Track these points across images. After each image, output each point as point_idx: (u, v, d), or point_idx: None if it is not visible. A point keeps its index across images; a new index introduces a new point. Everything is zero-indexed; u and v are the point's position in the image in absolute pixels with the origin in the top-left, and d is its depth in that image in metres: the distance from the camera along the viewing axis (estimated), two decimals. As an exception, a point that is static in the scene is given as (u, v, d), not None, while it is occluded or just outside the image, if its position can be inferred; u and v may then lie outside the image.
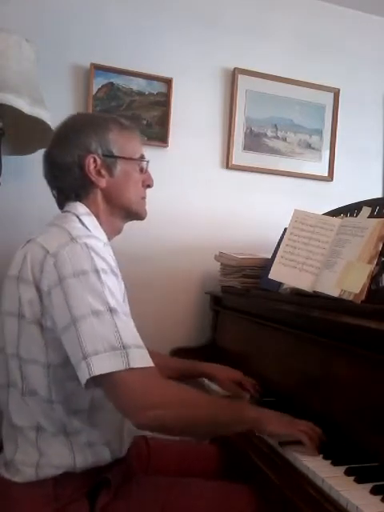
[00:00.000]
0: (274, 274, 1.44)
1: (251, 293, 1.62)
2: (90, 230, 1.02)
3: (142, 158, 1.15)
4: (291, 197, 2.07)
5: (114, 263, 0.98)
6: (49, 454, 0.97)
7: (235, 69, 2.02)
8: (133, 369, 0.85)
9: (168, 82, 1.92)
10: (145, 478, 1.11)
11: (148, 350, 0.91)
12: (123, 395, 0.87)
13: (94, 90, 1.84)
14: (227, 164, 2.04)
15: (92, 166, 1.06)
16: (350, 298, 1.17)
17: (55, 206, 1.14)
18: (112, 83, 1.87)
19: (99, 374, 0.84)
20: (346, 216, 1.43)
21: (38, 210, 1.70)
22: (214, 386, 1.43)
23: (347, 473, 0.89)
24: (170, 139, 1.94)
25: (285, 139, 2.11)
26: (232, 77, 2.03)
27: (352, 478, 0.87)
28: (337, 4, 2.16)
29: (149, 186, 1.17)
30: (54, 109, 1.54)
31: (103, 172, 1.08)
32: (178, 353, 1.76)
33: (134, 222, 1.18)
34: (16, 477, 0.96)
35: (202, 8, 1.99)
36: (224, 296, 1.81)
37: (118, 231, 1.16)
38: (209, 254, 1.90)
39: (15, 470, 0.97)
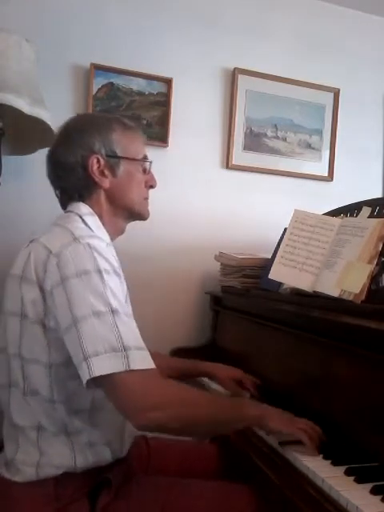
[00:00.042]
0: (274, 274, 1.44)
1: (251, 293, 1.62)
2: (92, 231, 1.02)
3: (145, 158, 1.15)
4: (291, 197, 2.07)
5: (116, 263, 0.98)
6: (49, 454, 0.97)
7: (235, 69, 2.02)
8: (133, 370, 0.85)
9: (168, 82, 1.92)
10: (145, 478, 1.11)
11: (149, 351, 0.91)
12: (123, 397, 0.87)
13: (94, 90, 1.84)
14: (227, 164, 2.04)
15: (95, 167, 1.07)
16: (350, 298, 1.18)
17: (56, 205, 1.14)
18: (112, 83, 1.87)
19: (99, 374, 0.84)
20: (346, 216, 1.43)
21: (37, 210, 1.71)
22: (215, 385, 1.43)
23: (347, 473, 0.89)
24: (170, 139, 1.94)
25: (285, 139, 2.11)
26: (232, 77, 2.03)
27: (352, 477, 0.87)
28: (337, 4, 2.16)
29: (152, 187, 1.17)
30: (54, 109, 1.55)
31: (106, 172, 1.08)
32: (178, 353, 1.76)
33: (134, 221, 1.18)
34: (16, 476, 0.96)
35: (201, 8, 1.99)
36: (224, 296, 1.81)
37: (121, 231, 1.16)
38: (209, 254, 1.90)
39: (16, 470, 0.97)
